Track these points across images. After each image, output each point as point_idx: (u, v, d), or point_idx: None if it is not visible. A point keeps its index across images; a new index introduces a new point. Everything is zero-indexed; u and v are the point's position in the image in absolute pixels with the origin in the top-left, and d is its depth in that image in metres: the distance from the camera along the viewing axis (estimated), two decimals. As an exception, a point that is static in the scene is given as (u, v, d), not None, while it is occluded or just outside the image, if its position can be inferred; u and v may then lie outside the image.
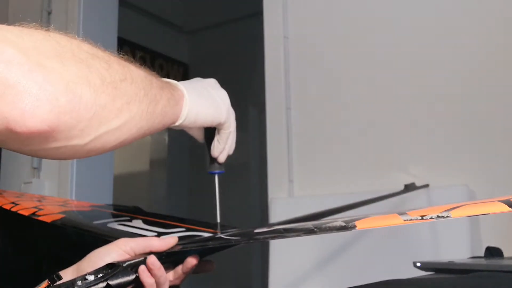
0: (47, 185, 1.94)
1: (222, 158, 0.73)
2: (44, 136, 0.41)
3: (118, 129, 0.48)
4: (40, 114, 0.39)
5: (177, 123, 0.62)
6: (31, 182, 1.94)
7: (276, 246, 1.43)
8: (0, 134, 0.39)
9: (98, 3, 2.10)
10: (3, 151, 2.06)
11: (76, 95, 0.41)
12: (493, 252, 0.91)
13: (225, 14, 3.35)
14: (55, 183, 1.93)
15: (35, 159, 1.95)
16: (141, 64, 0.55)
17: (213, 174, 0.73)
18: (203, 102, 0.65)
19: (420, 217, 0.47)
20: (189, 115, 0.62)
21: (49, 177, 1.96)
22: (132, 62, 0.52)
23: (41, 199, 1.06)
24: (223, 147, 0.72)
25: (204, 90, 0.67)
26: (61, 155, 0.45)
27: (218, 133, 0.71)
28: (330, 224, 0.52)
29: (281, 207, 1.49)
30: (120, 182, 3.00)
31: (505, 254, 0.92)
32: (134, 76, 0.51)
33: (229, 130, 0.71)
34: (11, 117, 0.38)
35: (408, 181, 1.28)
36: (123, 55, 0.52)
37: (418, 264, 0.78)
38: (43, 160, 1.98)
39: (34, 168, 1.97)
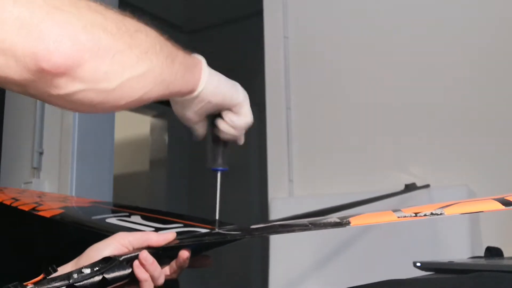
0: (47, 185, 1.94)
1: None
2: (69, 74, 0.43)
3: (143, 77, 0.50)
4: (63, 50, 0.42)
5: (198, 90, 0.61)
6: (31, 182, 1.94)
7: (276, 245, 1.43)
8: (31, 74, 0.42)
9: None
10: (3, 151, 2.06)
11: (95, 36, 0.45)
12: (493, 252, 0.91)
13: (225, 14, 3.35)
14: (55, 183, 1.93)
15: (35, 159, 1.95)
16: None
17: (216, 171, 0.71)
18: (221, 78, 0.65)
19: (414, 214, 0.47)
20: (209, 84, 0.62)
21: (49, 177, 1.96)
22: (145, 23, 0.54)
23: (41, 195, 1.06)
24: (237, 134, 0.68)
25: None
26: (91, 102, 0.47)
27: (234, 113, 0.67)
28: (324, 221, 0.52)
29: (281, 207, 1.49)
30: (120, 182, 3.01)
31: (505, 254, 0.92)
32: (148, 31, 0.53)
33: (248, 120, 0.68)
34: (39, 54, 0.41)
35: (409, 181, 1.28)
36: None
37: (418, 264, 0.78)
38: (43, 160, 1.97)
39: (34, 168, 1.96)
